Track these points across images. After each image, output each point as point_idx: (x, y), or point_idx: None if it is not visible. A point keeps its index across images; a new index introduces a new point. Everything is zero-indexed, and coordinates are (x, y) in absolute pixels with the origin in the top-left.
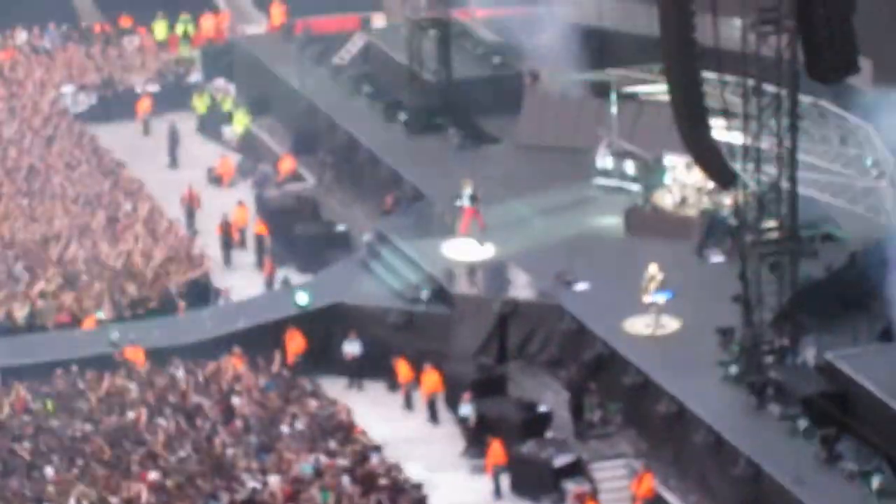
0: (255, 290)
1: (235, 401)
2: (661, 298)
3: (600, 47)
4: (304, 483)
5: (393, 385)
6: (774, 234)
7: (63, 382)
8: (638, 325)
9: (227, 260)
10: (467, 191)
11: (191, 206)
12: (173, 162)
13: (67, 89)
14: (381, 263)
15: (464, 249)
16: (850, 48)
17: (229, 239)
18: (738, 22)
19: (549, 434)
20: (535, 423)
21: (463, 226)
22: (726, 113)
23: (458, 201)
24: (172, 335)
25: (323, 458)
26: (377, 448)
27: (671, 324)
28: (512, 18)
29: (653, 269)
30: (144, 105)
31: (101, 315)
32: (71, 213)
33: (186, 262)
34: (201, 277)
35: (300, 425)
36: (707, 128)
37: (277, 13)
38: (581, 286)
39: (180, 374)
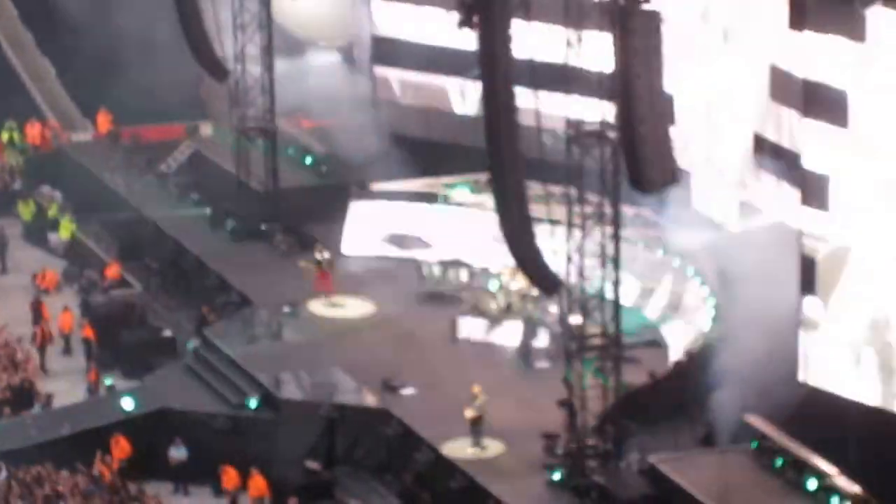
0: (81, 395)
1: None
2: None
3: (427, 157)
4: None
5: (219, 490)
6: (598, 341)
7: None
8: (458, 448)
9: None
10: (324, 255)
11: (44, 343)
12: (3, 268)
13: None
14: (207, 369)
15: (328, 308)
16: (671, 160)
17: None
18: (562, 134)
19: None
20: None
21: (326, 286)
22: (551, 222)
23: (304, 263)
24: None
25: None
26: None
27: (494, 446)
28: (339, 128)
29: (476, 389)
30: None
31: None
32: None
33: (10, 367)
34: (25, 382)
35: None
36: (532, 236)
37: (104, 121)
38: (407, 391)
39: (2, 479)
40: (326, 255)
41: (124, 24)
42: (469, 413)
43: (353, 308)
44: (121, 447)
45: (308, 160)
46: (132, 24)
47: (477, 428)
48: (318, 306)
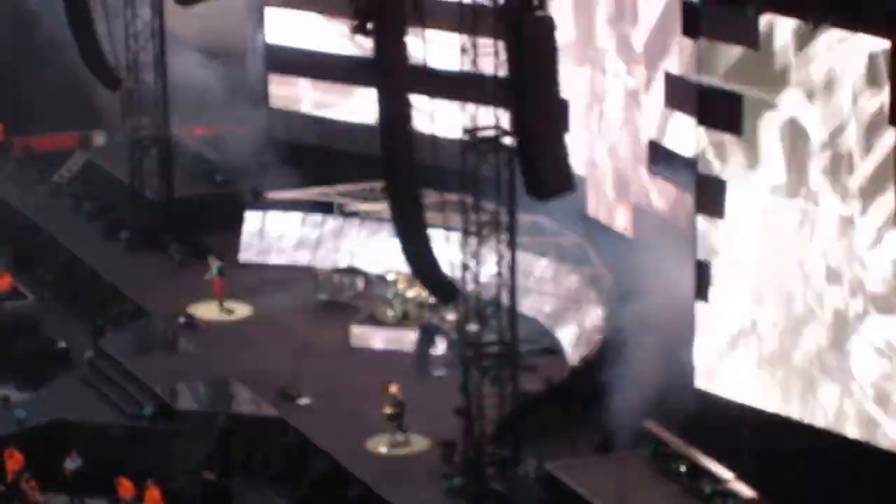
0: None
1: None
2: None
3: (323, 165)
4: None
5: (115, 502)
6: (494, 348)
7: None
8: (379, 444)
9: None
10: (216, 265)
11: None
12: None
13: None
14: (102, 380)
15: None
16: (566, 167)
17: None
18: (457, 141)
19: None
20: None
21: (219, 295)
22: (447, 229)
23: (207, 275)
24: None
25: None
26: None
27: (417, 442)
28: (233, 136)
29: (394, 388)
30: None
31: None
32: None
33: None
34: None
35: None
36: (428, 244)
37: None
38: (304, 400)
39: None
40: (218, 262)
41: (12, 31)
42: (388, 409)
43: (241, 313)
44: (14, 459)
45: (203, 169)
46: (21, 32)
47: (399, 422)
48: (213, 313)
